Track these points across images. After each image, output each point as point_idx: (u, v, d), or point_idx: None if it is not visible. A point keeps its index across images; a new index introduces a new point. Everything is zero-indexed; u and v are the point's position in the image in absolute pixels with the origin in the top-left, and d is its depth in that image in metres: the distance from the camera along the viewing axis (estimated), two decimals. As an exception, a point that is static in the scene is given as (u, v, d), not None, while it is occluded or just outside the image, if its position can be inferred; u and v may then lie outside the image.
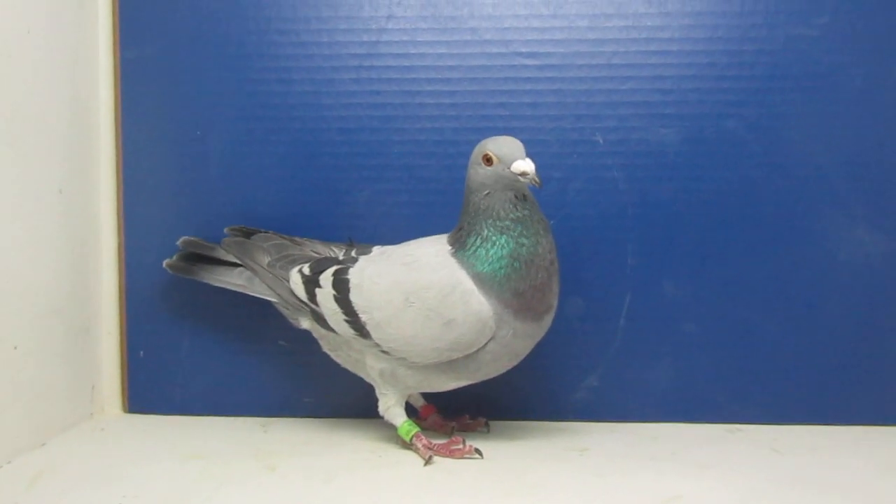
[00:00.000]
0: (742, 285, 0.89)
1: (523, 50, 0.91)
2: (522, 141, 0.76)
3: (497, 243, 0.73)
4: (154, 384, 0.91)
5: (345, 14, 0.91)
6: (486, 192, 0.74)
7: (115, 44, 0.90)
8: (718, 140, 0.89)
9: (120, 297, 0.91)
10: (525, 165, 0.72)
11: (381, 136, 0.91)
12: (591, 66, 0.90)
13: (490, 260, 0.73)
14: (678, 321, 0.90)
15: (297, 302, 0.81)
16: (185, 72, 0.90)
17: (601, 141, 0.91)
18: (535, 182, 0.72)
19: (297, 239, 0.87)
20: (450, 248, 0.76)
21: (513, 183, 0.73)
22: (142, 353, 0.92)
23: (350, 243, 0.87)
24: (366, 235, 0.89)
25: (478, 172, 0.75)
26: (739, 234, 0.89)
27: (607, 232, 0.91)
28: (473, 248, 0.74)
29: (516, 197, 0.74)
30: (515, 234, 0.73)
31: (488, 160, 0.74)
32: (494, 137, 0.75)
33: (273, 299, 0.84)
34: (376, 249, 0.83)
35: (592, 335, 0.90)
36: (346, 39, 0.91)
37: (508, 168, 0.73)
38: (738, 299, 0.89)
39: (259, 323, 0.91)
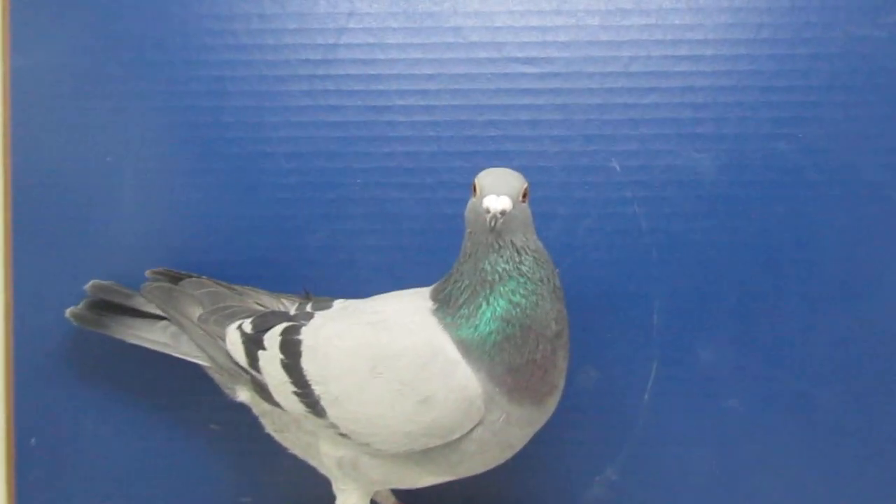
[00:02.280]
0: (797, 352, 0.94)
1: (519, 55, 0.96)
2: (519, 169, 0.80)
3: (486, 301, 0.76)
4: (49, 479, 0.94)
5: (295, 10, 0.95)
6: (468, 231, 0.79)
7: (2, 51, 0.94)
8: (766, 166, 0.95)
9: (6, 368, 0.94)
10: (490, 201, 0.74)
11: (341, 162, 0.97)
12: (605, 75, 0.95)
13: (478, 322, 0.76)
14: (717, 397, 0.95)
15: (235, 367, 0.85)
16: (90, 83, 0.94)
17: (618, 168, 0.97)
18: (489, 226, 0.73)
19: (239, 287, 0.92)
20: (431, 304, 0.80)
21: (486, 222, 0.75)
22: (33, 440, 0.95)
23: (306, 295, 0.92)
24: (325, 286, 0.93)
25: (468, 204, 0.79)
26: (794, 287, 0.93)
27: (627, 283, 0.96)
28: (459, 305, 0.77)
29: (499, 243, 0.76)
30: (506, 289, 0.76)
31: (474, 188, 0.78)
32: (497, 167, 0.81)
33: (204, 363, 0.88)
34: (338, 304, 0.87)
35: (610, 415, 0.94)
36: (296, 42, 0.96)
37: (481, 201, 0.75)
38: (792, 369, 0.94)
39: (185, 396, 0.95)
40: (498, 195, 0.75)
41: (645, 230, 0.98)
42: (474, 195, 0.78)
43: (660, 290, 0.97)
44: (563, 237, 0.97)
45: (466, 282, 0.78)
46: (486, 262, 0.77)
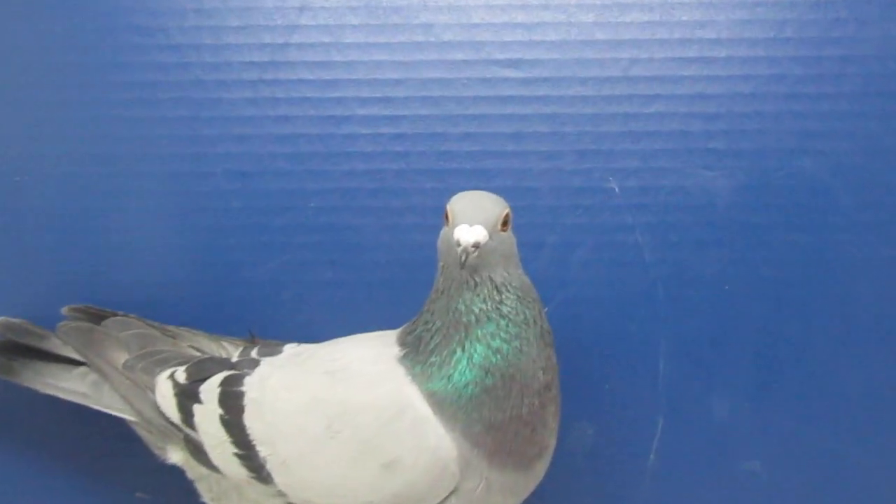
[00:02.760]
0: (828, 405, 0.94)
1: (500, 56, 0.97)
2: (501, 191, 0.81)
3: (460, 346, 0.76)
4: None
5: (237, 4, 0.96)
6: (441, 265, 0.80)
7: None
8: (789, 188, 0.96)
9: None
10: (461, 232, 0.74)
11: (292, 182, 0.98)
12: (602, 81, 0.97)
13: (451, 372, 0.76)
14: (734, 457, 0.95)
15: (166, 423, 0.86)
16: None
17: (617, 189, 0.98)
18: (460, 262, 0.74)
19: (172, 328, 0.93)
20: (398, 350, 0.81)
21: (459, 251, 0.75)
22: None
23: (251, 339, 0.93)
24: (273, 328, 0.95)
25: (441, 234, 0.80)
26: (823, 329, 0.94)
27: (628, 324, 0.98)
28: (430, 351, 0.78)
29: (475, 279, 0.77)
30: (485, 333, 0.76)
31: (447, 215, 0.79)
32: (472, 191, 0.81)
33: (129, 417, 0.88)
34: (289, 349, 0.89)
35: (609, 481, 0.95)
36: (238, 41, 0.96)
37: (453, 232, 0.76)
38: (821, 425, 0.94)
39: (107, 458, 0.95)
40: (471, 225, 0.75)
41: (649, 262, 0.99)
42: (447, 223, 0.78)
43: (667, 332, 0.98)
44: (553, 271, 0.98)
45: (438, 323, 0.79)
46: (461, 302, 0.78)
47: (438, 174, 0.98)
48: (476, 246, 0.74)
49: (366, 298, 0.98)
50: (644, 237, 0.99)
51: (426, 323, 0.80)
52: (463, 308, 0.78)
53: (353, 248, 0.99)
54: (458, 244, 0.74)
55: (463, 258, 0.73)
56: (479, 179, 0.98)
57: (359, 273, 0.99)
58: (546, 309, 0.82)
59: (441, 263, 0.80)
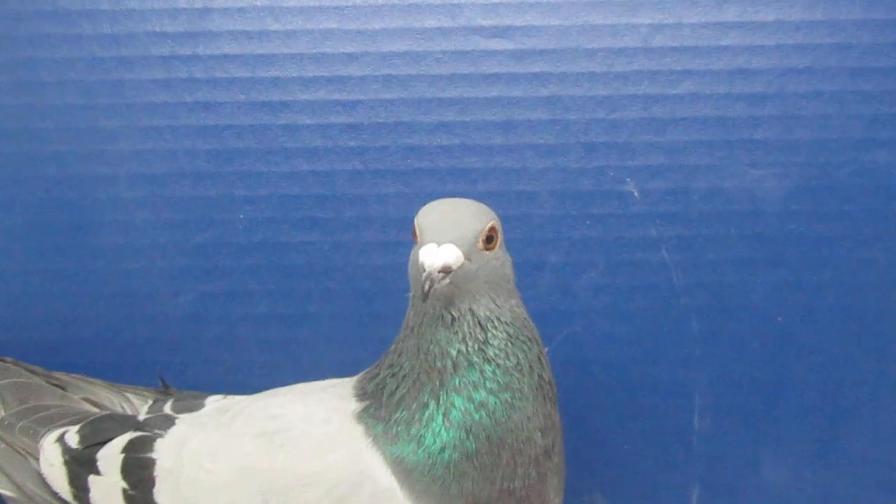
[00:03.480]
0: None
1: (484, 22, 0.99)
2: (486, 197, 0.83)
3: (434, 398, 0.78)
4: None
5: None
6: (411, 294, 0.81)
7: None
8: (858, 189, 0.97)
9: None
10: (426, 254, 0.75)
11: (216, 187, 0.99)
12: (615, 53, 0.98)
13: (423, 433, 0.77)
14: None
15: (52, 500, 0.86)
16: None
17: (636, 193, 1.00)
18: (423, 291, 0.74)
19: (60, 376, 0.94)
20: (355, 404, 0.82)
21: (423, 277, 0.76)
22: None
23: (163, 389, 0.94)
24: (192, 376, 0.97)
25: (411, 254, 0.81)
26: None
27: (652, 369, 1.00)
28: (395, 404, 0.79)
29: (452, 313, 0.78)
30: (465, 383, 0.77)
31: (415, 232, 0.80)
32: (447, 199, 0.82)
33: (5, 492, 0.87)
34: (213, 404, 0.90)
35: None
36: (145, 6, 0.98)
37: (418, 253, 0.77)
38: None
39: None
40: (439, 244, 0.76)
41: (679, 288, 1.00)
42: (415, 240, 0.78)
43: (703, 378, 0.99)
44: (557, 299, 1.00)
45: (407, 368, 0.80)
46: (434, 342, 0.78)
47: (404, 177, 1.00)
48: (446, 271, 0.75)
49: (313, 337, 1.00)
50: (672, 255, 1.00)
51: (391, 367, 0.81)
52: (437, 350, 0.78)
53: (295, 273, 1.00)
54: (423, 269, 0.74)
55: (426, 286, 0.73)
56: (457, 183, 1.00)
57: (303, 305, 1.00)
58: (547, 350, 0.82)
59: (411, 293, 0.80)
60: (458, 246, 0.76)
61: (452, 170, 1.01)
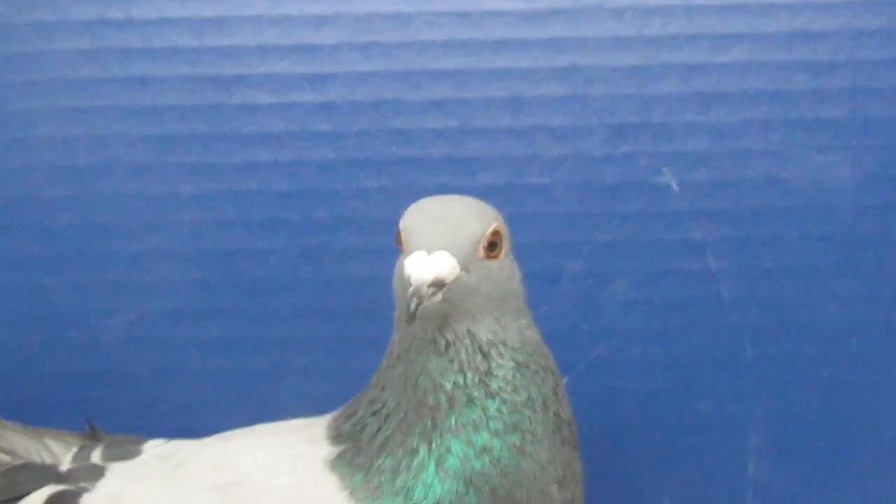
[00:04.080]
0: None
1: None
2: (488, 193, 0.82)
3: (426, 442, 0.78)
4: None
5: None
6: (397, 314, 0.81)
7: None
8: None
9: None
10: (413, 265, 0.76)
11: (154, 183, 0.99)
12: (648, 13, 0.98)
13: (411, 484, 0.78)
14: None
15: None
16: None
17: (674, 185, 1.00)
18: (407, 311, 0.74)
19: None
20: (328, 448, 0.82)
21: (409, 292, 0.75)
22: None
23: (91, 433, 0.92)
24: (126, 416, 0.95)
25: (396, 266, 0.81)
26: None
27: (697, 403, 0.99)
28: (377, 449, 0.79)
29: (446, 337, 0.79)
30: (462, 423, 0.78)
31: (399, 237, 0.80)
32: (439, 196, 0.82)
33: None
34: (152, 450, 0.88)
35: None
36: None
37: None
38: None
39: None
40: (429, 252, 0.75)
41: (729, 302, 1.00)
42: (401, 248, 0.77)
43: (758, 412, 0.99)
44: (577, 317, 0.99)
45: (392, 404, 0.79)
46: (425, 373, 0.78)
47: (389, 168, 1.00)
48: (437, 285, 0.74)
49: (276, 367, 0.99)
50: (720, 262, 1.00)
51: (373, 403, 0.81)
52: (428, 383, 0.78)
53: (254, 287, 0.99)
54: (409, 283, 0.73)
55: (413, 305, 0.72)
56: (453, 175, 1.00)
57: (264, 327, 0.99)
58: (565, 381, 0.81)
59: (396, 312, 0.80)
60: (452, 254, 0.76)
61: (447, 159, 1.02)
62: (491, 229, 0.79)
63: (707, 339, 1.01)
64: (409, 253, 0.76)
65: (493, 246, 0.80)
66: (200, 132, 1.03)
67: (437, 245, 0.76)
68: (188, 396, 1.01)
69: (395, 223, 0.78)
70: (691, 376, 1.01)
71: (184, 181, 1.02)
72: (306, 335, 1.02)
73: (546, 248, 1.01)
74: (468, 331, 0.79)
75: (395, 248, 0.79)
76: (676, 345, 1.02)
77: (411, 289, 0.74)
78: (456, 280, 0.76)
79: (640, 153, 1.02)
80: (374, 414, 0.81)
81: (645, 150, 1.02)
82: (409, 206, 0.79)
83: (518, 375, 0.80)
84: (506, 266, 0.81)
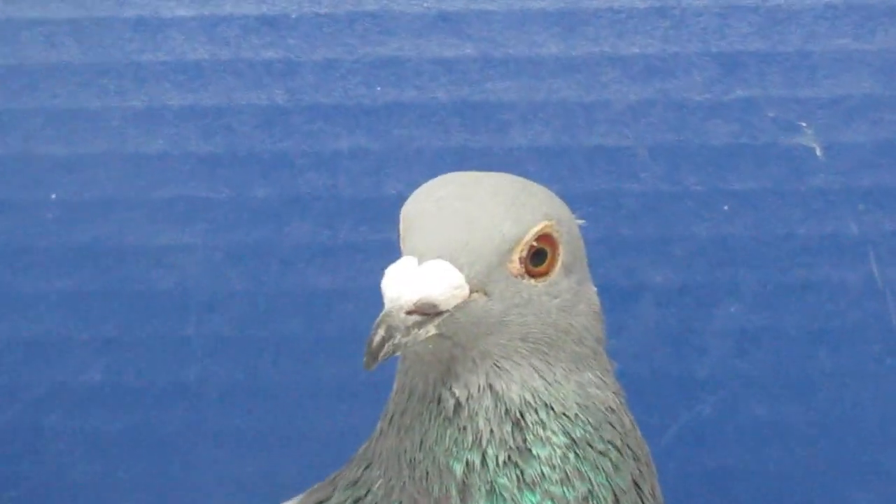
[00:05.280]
0: None
1: None
2: (530, 163, 0.86)
3: None
4: None
5: None
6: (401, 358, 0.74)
7: None
8: None
9: None
10: (390, 279, 0.66)
11: (24, 174, 0.95)
12: None
13: None
14: None
15: None
16: None
17: (818, 150, 0.91)
18: (366, 353, 0.64)
19: None
20: None
21: (379, 317, 0.67)
22: None
23: None
24: (38, 485, 0.93)
25: None
26: None
27: (857, 483, 0.91)
28: None
29: (452, 393, 0.69)
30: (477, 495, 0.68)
31: (400, 233, 0.71)
32: (460, 174, 0.72)
33: None
34: None
35: None
36: None
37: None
38: None
39: None
40: (420, 259, 0.65)
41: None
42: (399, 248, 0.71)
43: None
44: (666, 354, 0.92)
45: (379, 490, 0.72)
46: (426, 448, 0.70)
47: (379, 121, 0.95)
48: (424, 312, 0.64)
49: (220, 429, 0.95)
50: (889, 268, 0.92)
51: (354, 487, 0.74)
52: (429, 463, 0.71)
53: (184, 306, 0.96)
54: (389, 314, 0.64)
55: (374, 339, 0.63)
56: (475, 135, 0.91)
57: (204, 367, 0.96)
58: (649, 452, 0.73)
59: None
60: (458, 265, 0.65)
61: (463, 106, 0.93)
62: (536, 230, 0.66)
63: (868, 382, 0.91)
64: (409, 251, 0.67)
65: (539, 257, 0.67)
66: (108, 107, 1.00)
67: (435, 250, 0.65)
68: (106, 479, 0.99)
69: (393, 204, 0.73)
70: (848, 447, 0.92)
71: (43, 180, 0.99)
72: (266, 382, 0.96)
73: (619, 249, 0.90)
74: (488, 386, 0.68)
75: (394, 250, 0.71)
76: (822, 394, 0.92)
77: (381, 314, 0.63)
78: (462, 306, 0.64)
79: (763, 99, 0.91)
80: (356, 502, 0.73)
81: (772, 94, 0.91)
82: (417, 186, 0.70)
83: (573, 458, 0.68)
84: (563, 290, 0.68)
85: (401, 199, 0.71)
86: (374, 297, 0.73)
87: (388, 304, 0.62)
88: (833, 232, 0.90)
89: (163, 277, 0.97)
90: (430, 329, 0.63)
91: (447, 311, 0.63)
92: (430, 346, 0.64)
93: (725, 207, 0.90)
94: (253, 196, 0.96)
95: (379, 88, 0.94)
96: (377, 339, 0.62)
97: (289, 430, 0.96)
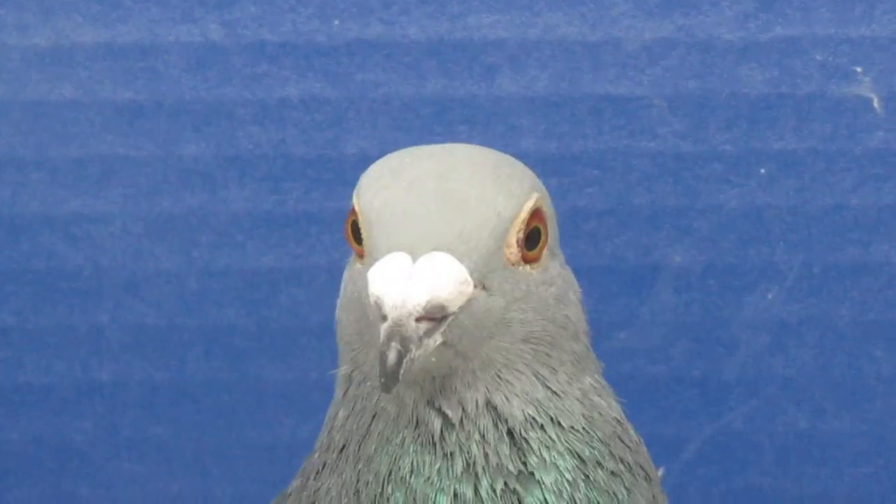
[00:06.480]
0: None
1: None
2: (515, 135, 0.79)
3: None
4: None
5: None
6: (341, 372, 0.64)
7: None
8: None
9: None
10: (385, 281, 0.56)
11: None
12: None
13: None
14: None
15: None
16: None
17: (876, 102, 0.83)
18: (384, 375, 0.55)
19: None
20: None
21: (384, 330, 0.57)
22: None
23: None
24: None
25: (344, 273, 0.66)
26: None
27: None
28: None
29: (441, 411, 0.60)
30: None
31: (351, 226, 0.61)
32: (425, 147, 0.64)
33: None
34: None
35: None
36: None
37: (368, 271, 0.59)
38: None
39: None
40: (415, 256, 0.55)
41: None
42: (354, 247, 0.59)
43: None
44: (686, 351, 0.85)
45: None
46: (399, 480, 0.60)
47: (327, 87, 0.87)
48: (435, 317, 0.54)
49: (139, 439, 0.89)
50: None
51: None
52: (402, 498, 0.59)
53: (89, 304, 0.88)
54: (382, 315, 0.54)
55: (391, 357, 0.53)
56: (461, 102, 0.85)
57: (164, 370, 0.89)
58: (661, 472, 0.75)
59: (345, 367, 0.62)
60: (458, 257, 0.55)
61: (440, 44, 0.86)
62: (529, 206, 0.57)
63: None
64: (378, 258, 0.55)
65: (533, 239, 0.58)
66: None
67: (429, 241, 0.55)
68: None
69: (336, 191, 0.79)
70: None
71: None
72: (185, 388, 0.89)
73: (629, 226, 0.82)
74: (487, 402, 0.59)
75: (339, 246, 0.79)
76: (876, 410, 0.82)
77: (386, 326, 0.53)
78: (466, 306, 0.54)
79: (808, 38, 0.83)
80: None
81: (819, 32, 0.83)
82: (369, 165, 0.60)
83: (582, 483, 0.58)
84: (555, 276, 0.59)
85: (364, 158, 0.71)
86: (329, 280, 0.78)
87: (392, 313, 0.53)
88: (893, 202, 0.82)
89: (70, 254, 0.90)
90: (437, 338, 0.54)
91: (453, 313, 0.54)
92: (434, 359, 0.55)
93: (762, 171, 0.82)
94: (182, 154, 0.89)
95: (336, 22, 0.87)
96: (393, 355, 0.53)
97: (223, 440, 0.90)
